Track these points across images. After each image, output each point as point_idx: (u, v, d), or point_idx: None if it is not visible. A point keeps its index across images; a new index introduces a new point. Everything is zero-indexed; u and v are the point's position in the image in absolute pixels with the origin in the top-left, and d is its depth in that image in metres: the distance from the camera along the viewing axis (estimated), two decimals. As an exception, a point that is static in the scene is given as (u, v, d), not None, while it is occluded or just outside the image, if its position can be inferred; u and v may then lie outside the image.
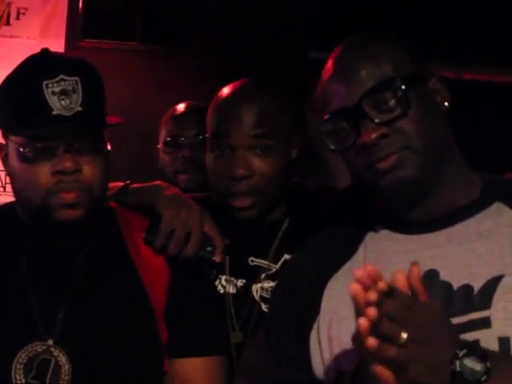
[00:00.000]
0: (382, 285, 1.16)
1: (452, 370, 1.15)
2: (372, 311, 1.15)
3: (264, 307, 1.79)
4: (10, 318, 1.52)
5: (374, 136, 1.35)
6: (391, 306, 1.15)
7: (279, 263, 1.81)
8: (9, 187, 3.95)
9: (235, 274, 1.83)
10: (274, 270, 1.81)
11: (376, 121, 1.36)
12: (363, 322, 1.15)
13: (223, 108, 1.77)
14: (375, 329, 1.15)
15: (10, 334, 1.51)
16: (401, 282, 1.19)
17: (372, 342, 1.15)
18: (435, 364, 1.16)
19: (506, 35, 4.54)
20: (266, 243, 1.82)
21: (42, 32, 4.08)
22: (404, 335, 1.14)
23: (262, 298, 1.80)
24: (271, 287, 1.79)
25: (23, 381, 1.48)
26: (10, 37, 4.08)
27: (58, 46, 4.06)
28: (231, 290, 1.83)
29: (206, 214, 1.71)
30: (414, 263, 1.21)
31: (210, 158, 1.78)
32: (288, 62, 4.17)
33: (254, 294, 1.81)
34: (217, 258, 1.70)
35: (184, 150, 2.56)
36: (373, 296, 1.15)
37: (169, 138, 2.61)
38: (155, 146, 2.70)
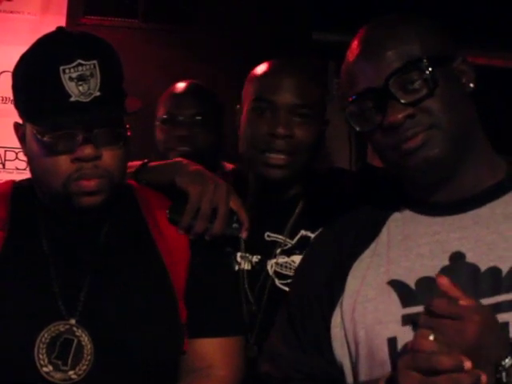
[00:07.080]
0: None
1: (497, 378, 1.16)
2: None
3: (278, 283, 1.81)
4: (32, 297, 1.50)
5: (400, 116, 1.35)
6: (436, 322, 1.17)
7: (295, 239, 1.83)
8: (8, 164, 3.91)
9: (251, 249, 1.84)
10: (290, 245, 1.83)
11: (402, 101, 1.35)
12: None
13: (270, 76, 1.86)
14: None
15: (32, 313, 1.49)
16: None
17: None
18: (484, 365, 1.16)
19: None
20: (282, 219, 1.85)
21: (42, 8, 3.99)
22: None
23: (276, 273, 1.82)
24: (286, 263, 1.81)
25: (46, 360, 1.46)
26: (11, 12, 4.00)
27: (59, 22, 3.97)
28: (246, 266, 1.84)
29: (232, 188, 1.70)
30: (438, 276, 1.22)
31: (250, 118, 1.84)
32: (291, 43, 4.14)
33: (269, 269, 1.82)
34: (243, 234, 1.68)
35: (180, 129, 2.52)
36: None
37: (166, 116, 2.55)
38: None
